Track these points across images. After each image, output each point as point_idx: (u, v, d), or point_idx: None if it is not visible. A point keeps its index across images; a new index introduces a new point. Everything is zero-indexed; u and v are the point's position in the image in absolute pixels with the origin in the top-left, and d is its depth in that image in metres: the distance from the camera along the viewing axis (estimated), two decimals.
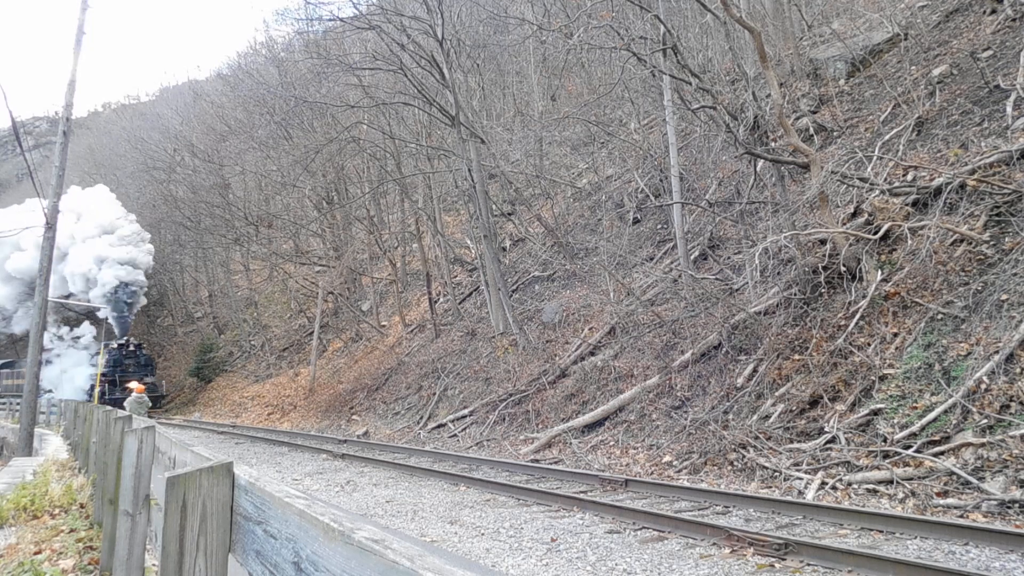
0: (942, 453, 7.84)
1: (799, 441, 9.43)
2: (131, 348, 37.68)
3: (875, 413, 8.91)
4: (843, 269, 10.89)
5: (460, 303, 24.47)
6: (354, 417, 22.20)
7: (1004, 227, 9.64)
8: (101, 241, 40.59)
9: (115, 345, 37.61)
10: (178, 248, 45.56)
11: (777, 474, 9.01)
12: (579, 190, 24.12)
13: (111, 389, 33.94)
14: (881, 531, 6.74)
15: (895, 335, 9.68)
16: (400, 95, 23.12)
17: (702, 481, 9.74)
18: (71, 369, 38.93)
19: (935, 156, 11.86)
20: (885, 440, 8.40)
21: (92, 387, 34.44)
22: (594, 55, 25.43)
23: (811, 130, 15.90)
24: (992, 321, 8.63)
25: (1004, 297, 8.75)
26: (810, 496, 8.23)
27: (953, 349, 8.79)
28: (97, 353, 37.15)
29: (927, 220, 10.29)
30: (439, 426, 17.72)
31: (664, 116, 16.88)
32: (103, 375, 34.82)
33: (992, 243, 9.55)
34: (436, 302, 25.35)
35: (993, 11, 14.49)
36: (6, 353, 48.19)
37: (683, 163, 17.27)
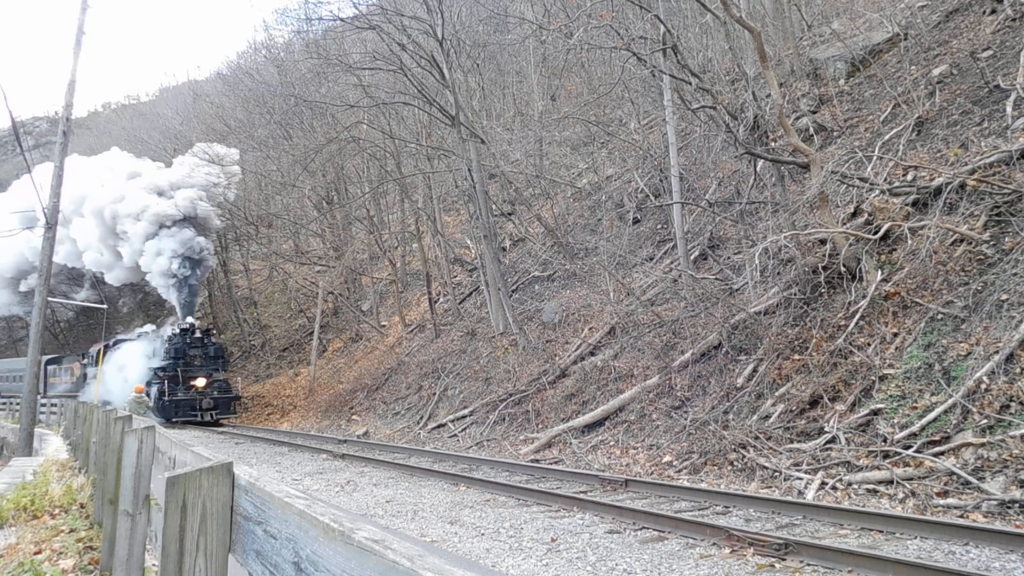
0: (942, 453, 7.84)
1: (799, 441, 9.43)
2: (197, 335, 28.61)
3: (875, 413, 8.90)
4: (843, 269, 10.89)
5: (460, 303, 24.46)
6: (354, 417, 22.20)
7: (1004, 227, 9.63)
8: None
9: (176, 330, 28.77)
10: None
11: (777, 474, 9.01)
12: (579, 190, 24.11)
13: (172, 388, 26.54)
14: (881, 531, 6.74)
15: (895, 335, 9.68)
16: (400, 95, 23.11)
17: (702, 481, 9.74)
18: (127, 365, 29.28)
19: (935, 156, 11.85)
20: (885, 440, 8.40)
21: (148, 383, 27.18)
22: (594, 55, 25.43)
23: (811, 130, 15.89)
24: (992, 321, 8.63)
25: (1004, 297, 8.74)
26: (810, 496, 8.23)
27: (953, 349, 8.79)
28: (158, 342, 29.29)
29: (927, 220, 10.29)
30: (439, 426, 17.71)
31: (664, 116, 16.87)
32: (161, 370, 27.48)
33: (992, 243, 9.55)
34: (436, 302, 25.34)
35: (993, 11, 14.48)
36: (6, 353, 47.94)
37: (683, 163, 17.26)
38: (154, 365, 28.22)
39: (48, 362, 34.89)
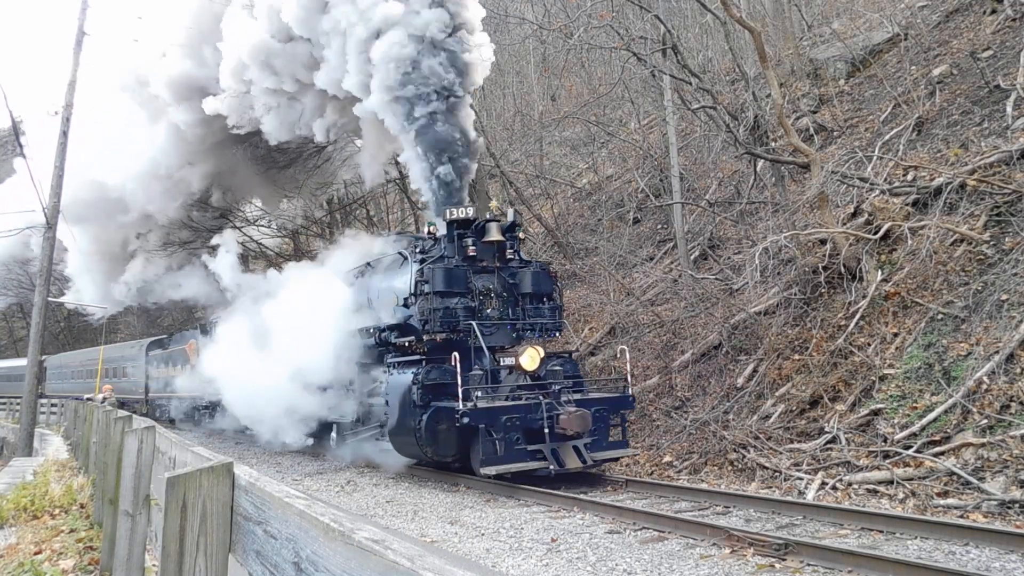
0: (942, 453, 7.84)
1: (799, 441, 9.43)
2: (492, 235, 11.20)
3: (875, 413, 8.91)
4: (843, 269, 10.89)
5: None
6: None
7: (1004, 227, 9.64)
8: None
9: (435, 230, 12.12)
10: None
11: (777, 474, 9.01)
12: (579, 190, 24.11)
13: (429, 375, 10.26)
14: (881, 531, 6.73)
15: (895, 335, 9.68)
16: None
17: (702, 481, 9.74)
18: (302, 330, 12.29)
19: (935, 156, 11.86)
20: (885, 440, 8.40)
21: (389, 367, 11.44)
22: (594, 55, 25.43)
23: (811, 130, 15.89)
24: (992, 321, 8.63)
25: (1004, 297, 8.75)
26: (810, 496, 8.23)
27: (953, 349, 8.79)
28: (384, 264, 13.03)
29: (927, 220, 10.29)
30: None
31: (664, 116, 16.88)
32: (403, 330, 11.60)
33: (992, 243, 9.56)
34: None
35: (993, 11, 14.49)
36: (6, 353, 47.47)
37: (683, 163, 17.26)
38: (378, 323, 12.21)
39: (151, 346, 25.17)
